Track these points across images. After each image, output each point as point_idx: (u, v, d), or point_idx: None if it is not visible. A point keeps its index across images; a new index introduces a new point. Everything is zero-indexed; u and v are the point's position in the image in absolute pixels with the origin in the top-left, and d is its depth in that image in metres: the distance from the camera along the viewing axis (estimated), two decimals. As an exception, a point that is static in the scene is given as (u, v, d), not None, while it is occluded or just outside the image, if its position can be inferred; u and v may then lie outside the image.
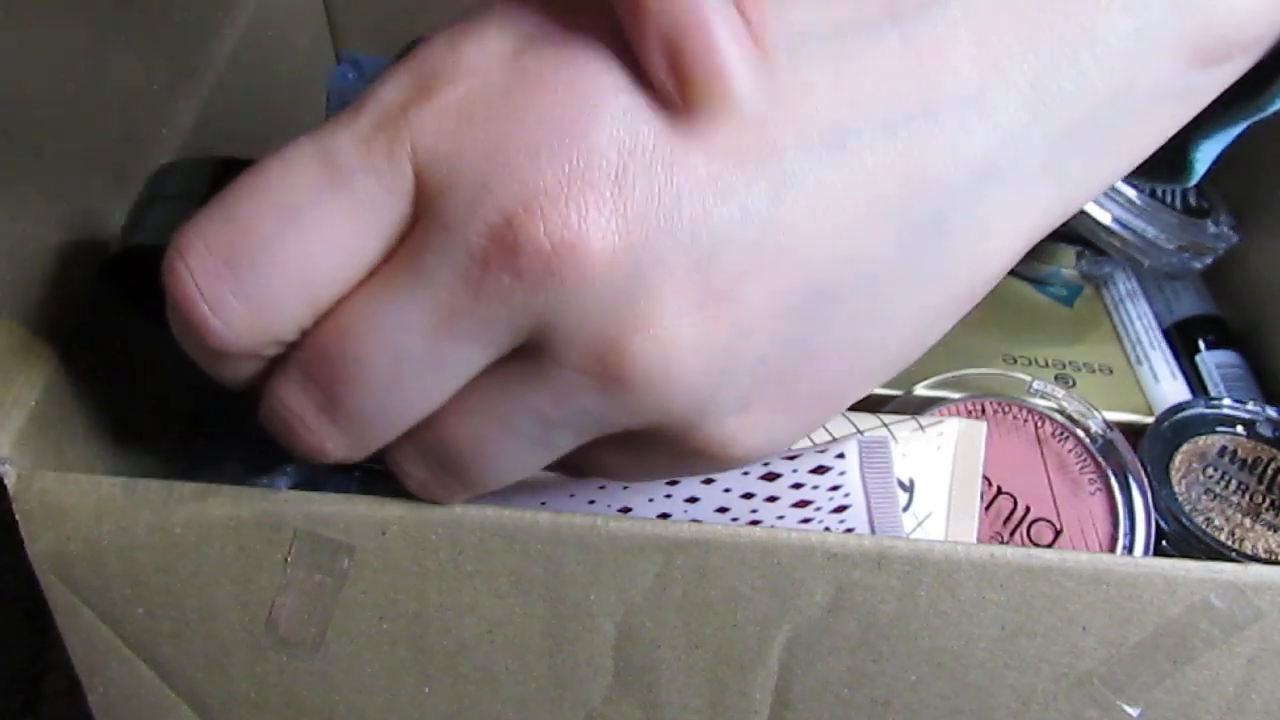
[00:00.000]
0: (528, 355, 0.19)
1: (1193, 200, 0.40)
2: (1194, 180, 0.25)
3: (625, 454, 0.21)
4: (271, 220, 0.18)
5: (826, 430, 0.31)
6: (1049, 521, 0.33)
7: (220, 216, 0.19)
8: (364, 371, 0.19)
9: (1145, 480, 0.33)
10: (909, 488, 0.30)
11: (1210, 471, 0.35)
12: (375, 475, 0.23)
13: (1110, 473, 0.33)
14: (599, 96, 0.18)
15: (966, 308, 0.21)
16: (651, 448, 0.21)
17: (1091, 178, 0.21)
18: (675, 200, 0.18)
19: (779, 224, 0.18)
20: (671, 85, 0.18)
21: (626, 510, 0.27)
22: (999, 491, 0.33)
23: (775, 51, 0.18)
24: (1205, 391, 0.39)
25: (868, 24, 0.19)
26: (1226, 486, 0.35)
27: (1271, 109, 0.23)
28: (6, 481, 0.22)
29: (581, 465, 0.22)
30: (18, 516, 0.22)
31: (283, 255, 0.18)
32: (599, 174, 0.17)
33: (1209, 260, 0.40)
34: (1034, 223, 0.21)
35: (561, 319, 0.18)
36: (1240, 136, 0.25)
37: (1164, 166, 0.25)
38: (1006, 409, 0.35)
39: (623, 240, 0.17)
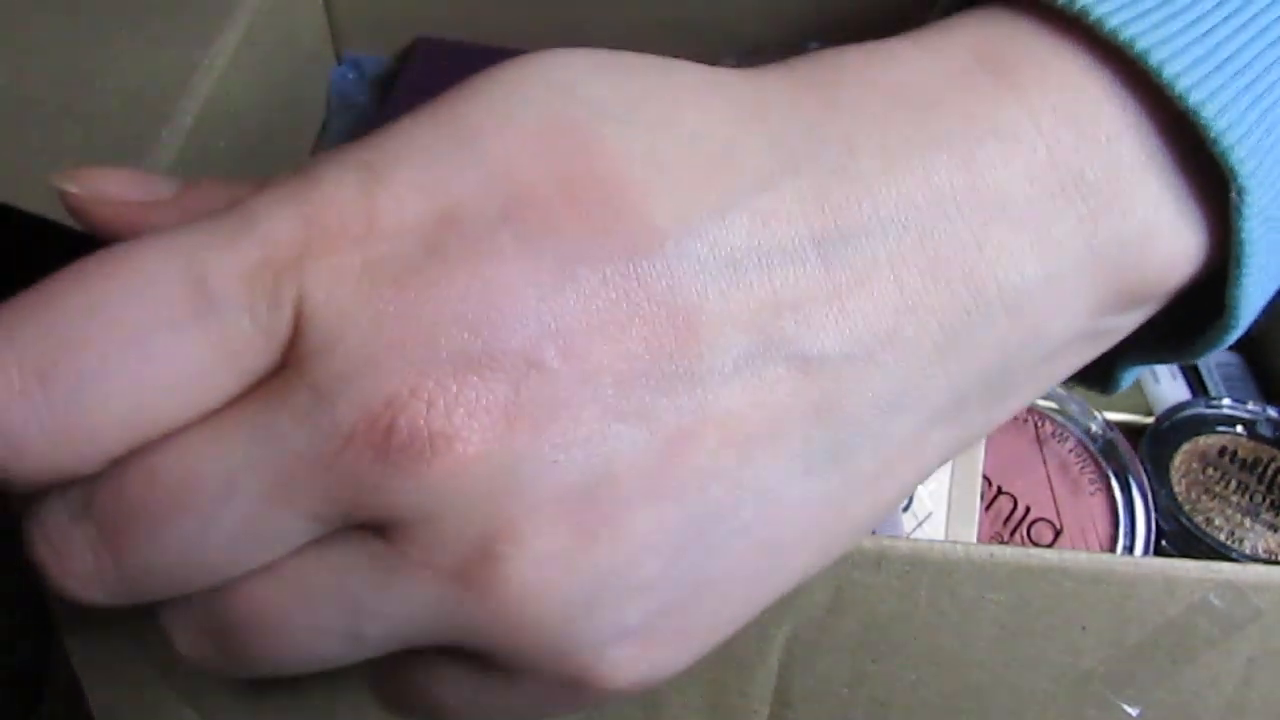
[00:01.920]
0: (360, 537, 0.17)
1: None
2: (1116, 392, 0.25)
3: (468, 681, 0.19)
4: (112, 339, 0.15)
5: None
6: (1049, 521, 0.33)
7: (43, 321, 0.15)
8: (162, 526, 0.16)
9: (1145, 480, 0.33)
10: (909, 488, 0.30)
11: (1210, 471, 0.35)
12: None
13: (1110, 473, 0.33)
14: (516, 303, 0.16)
15: (860, 537, 0.20)
16: (509, 676, 0.18)
17: (995, 413, 0.21)
18: (573, 418, 0.16)
19: (678, 452, 0.17)
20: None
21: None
22: (999, 491, 0.33)
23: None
24: (1205, 391, 0.39)
25: (794, 251, 0.18)
26: (1226, 486, 0.35)
27: (1199, 358, 0.23)
28: (6, 481, 0.22)
29: (402, 694, 0.20)
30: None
31: (115, 383, 0.15)
32: (497, 379, 0.16)
33: (1209, 260, 0.40)
34: (934, 458, 0.20)
35: (422, 511, 0.16)
36: None
37: (1088, 377, 0.25)
38: (1006, 409, 0.35)
39: (504, 445, 0.16)
